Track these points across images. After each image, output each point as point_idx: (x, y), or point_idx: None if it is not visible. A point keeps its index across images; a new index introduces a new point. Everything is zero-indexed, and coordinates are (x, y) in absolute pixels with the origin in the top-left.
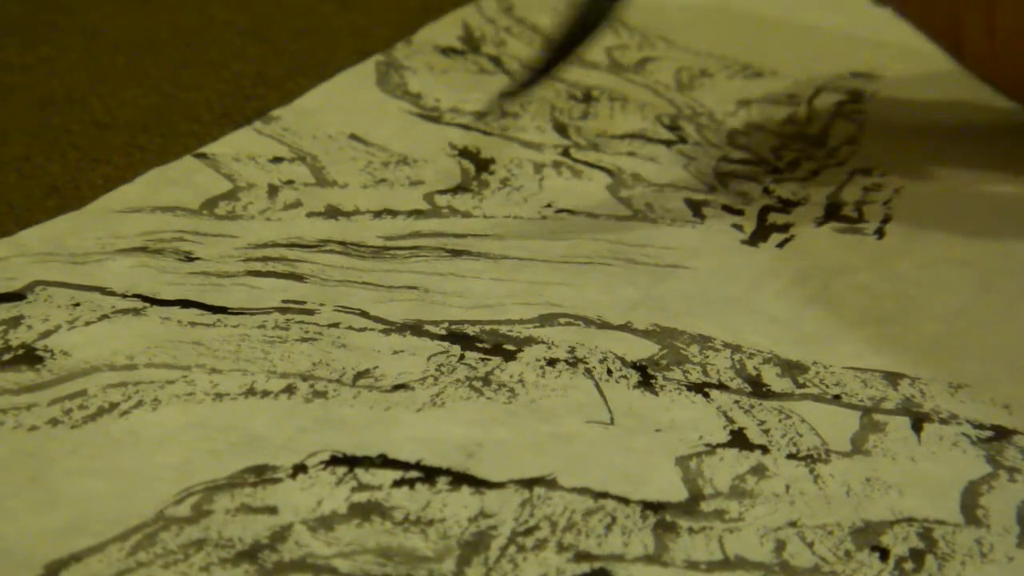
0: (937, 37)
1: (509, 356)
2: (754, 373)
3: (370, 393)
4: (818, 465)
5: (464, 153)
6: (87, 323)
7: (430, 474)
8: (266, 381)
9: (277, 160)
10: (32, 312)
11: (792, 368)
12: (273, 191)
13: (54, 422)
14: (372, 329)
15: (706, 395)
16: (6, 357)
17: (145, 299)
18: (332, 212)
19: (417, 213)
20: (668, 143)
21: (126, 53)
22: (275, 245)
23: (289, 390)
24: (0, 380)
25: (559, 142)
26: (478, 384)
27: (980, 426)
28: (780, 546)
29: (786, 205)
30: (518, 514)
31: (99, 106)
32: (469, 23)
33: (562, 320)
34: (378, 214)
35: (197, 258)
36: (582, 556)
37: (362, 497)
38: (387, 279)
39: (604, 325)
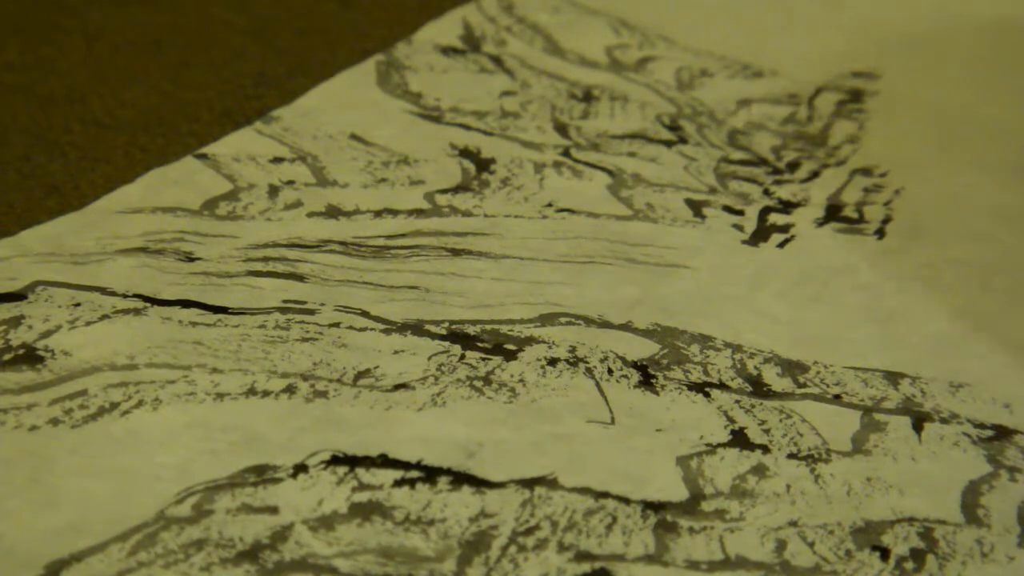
0: None
1: (510, 356)
2: (755, 373)
3: (371, 393)
4: (819, 465)
5: (465, 153)
6: (88, 323)
7: (431, 474)
8: (267, 381)
9: (278, 160)
10: (33, 312)
11: (793, 368)
12: (274, 191)
13: (55, 422)
14: (373, 329)
15: (707, 395)
16: (7, 357)
17: (146, 299)
18: (333, 212)
19: (418, 212)
20: (668, 143)
21: (126, 53)
22: (276, 245)
23: (290, 390)
24: (1, 380)
25: (559, 142)
26: (479, 384)
27: (981, 425)
28: (781, 546)
29: (786, 206)
30: (519, 514)
31: (99, 106)
32: (470, 21)
33: (563, 319)
34: (379, 214)
35: (198, 258)
36: (583, 556)
37: (363, 497)
38: (388, 279)
39: (605, 324)
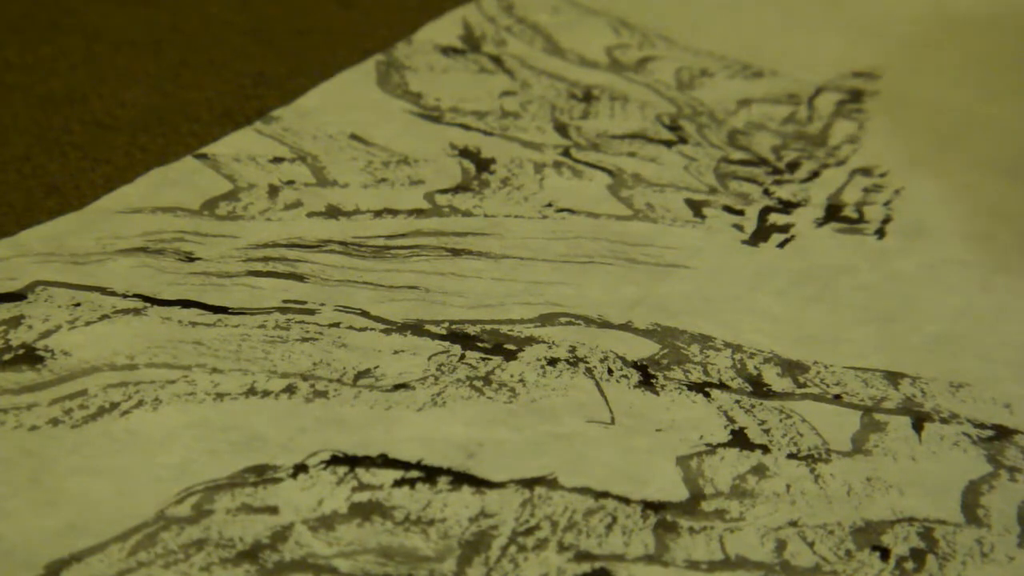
0: None
1: (510, 356)
2: (755, 373)
3: (371, 393)
4: (819, 465)
5: (465, 153)
6: (88, 323)
7: (431, 474)
8: (267, 381)
9: (278, 160)
10: (33, 312)
11: (793, 368)
12: (274, 191)
13: (55, 422)
14: (373, 329)
15: (707, 395)
16: (7, 357)
17: (146, 299)
18: (333, 212)
19: (418, 212)
20: (668, 143)
21: (126, 53)
22: (275, 245)
23: (290, 390)
24: (1, 380)
25: (559, 142)
26: (479, 384)
27: (981, 425)
28: (781, 546)
29: (786, 206)
30: (519, 514)
31: (99, 106)
32: (469, 21)
33: (563, 319)
34: (379, 213)
35: (198, 258)
36: (583, 556)
37: (363, 497)
38: (388, 279)
39: (605, 324)
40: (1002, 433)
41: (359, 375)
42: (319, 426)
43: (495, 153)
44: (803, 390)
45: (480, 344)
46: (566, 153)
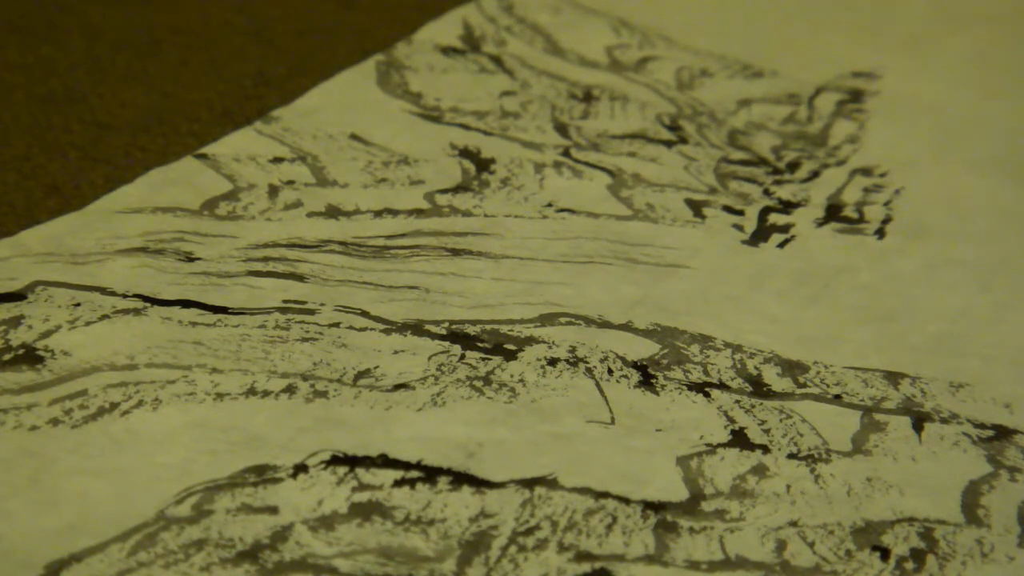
0: None
1: (510, 356)
2: (755, 373)
3: (371, 393)
4: (819, 465)
5: (465, 153)
6: (88, 323)
7: (431, 474)
8: (267, 381)
9: (278, 160)
10: (33, 312)
11: (793, 368)
12: (274, 191)
13: (55, 422)
14: (373, 329)
15: (707, 395)
16: (7, 357)
17: (146, 299)
18: (333, 212)
19: (418, 212)
20: (668, 143)
21: (126, 53)
22: (275, 245)
23: (290, 390)
24: (1, 380)
25: (559, 142)
26: (479, 384)
27: (981, 425)
28: (781, 546)
29: (786, 206)
30: (519, 514)
31: (99, 106)
32: (470, 22)
33: (563, 319)
34: (379, 213)
35: (198, 258)
36: (583, 556)
37: (363, 497)
38: (388, 279)
39: (605, 324)
40: (1002, 433)
41: (359, 375)
42: (319, 426)
43: (495, 153)
44: (803, 390)
45: (480, 344)
46: (566, 153)
